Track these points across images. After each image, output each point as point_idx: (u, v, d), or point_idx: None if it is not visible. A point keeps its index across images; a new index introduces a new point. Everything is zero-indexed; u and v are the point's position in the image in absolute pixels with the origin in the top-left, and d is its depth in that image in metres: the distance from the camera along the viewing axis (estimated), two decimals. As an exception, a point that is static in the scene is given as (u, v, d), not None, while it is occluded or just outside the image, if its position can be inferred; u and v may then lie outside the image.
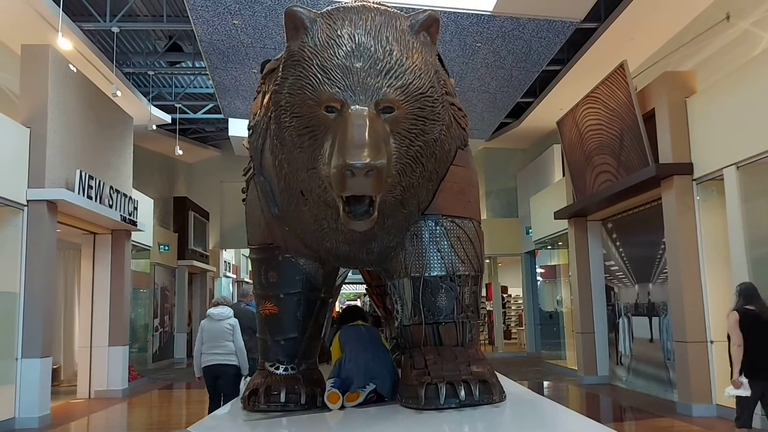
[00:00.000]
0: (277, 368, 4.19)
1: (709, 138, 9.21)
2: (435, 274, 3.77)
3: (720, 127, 8.97)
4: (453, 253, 3.79)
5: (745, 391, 6.27)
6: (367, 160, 2.69)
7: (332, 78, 2.91)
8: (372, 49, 2.94)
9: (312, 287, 4.22)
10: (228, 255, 28.52)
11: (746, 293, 6.57)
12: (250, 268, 32.48)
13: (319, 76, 2.93)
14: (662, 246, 10.63)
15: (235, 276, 30.59)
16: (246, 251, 33.24)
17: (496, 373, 3.73)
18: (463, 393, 3.34)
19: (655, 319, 11.21)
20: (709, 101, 9.28)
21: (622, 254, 12.51)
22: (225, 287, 28.71)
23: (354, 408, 3.94)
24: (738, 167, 8.51)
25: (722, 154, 8.85)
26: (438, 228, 3.80)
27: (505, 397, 3.51)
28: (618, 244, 12.70)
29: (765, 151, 8.01)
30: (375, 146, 2.77)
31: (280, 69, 3.20)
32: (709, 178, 9.28)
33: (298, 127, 3.08)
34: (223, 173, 22.99)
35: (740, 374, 6.26)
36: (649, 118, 10.11)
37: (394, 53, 2.96)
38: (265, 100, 3.71)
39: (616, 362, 12.82)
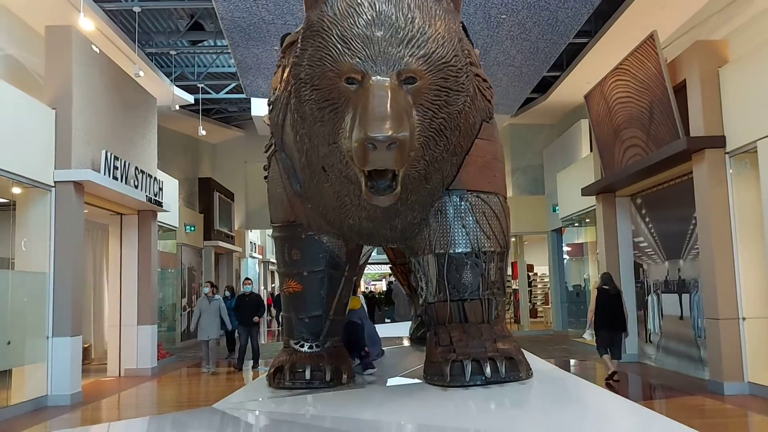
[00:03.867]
0: (302, 346, 4.18)
1: (743, 109, 8.92)
2: (460, 250, 3.70)
3: (754, 97, 8.67)
4: (478, 229, 3.72)
5: (590, 338, 10.47)
6: (389, 133, 2.61)
7: (352, 48, 2.83)
8: (393, 17, 2.85)
9: (335, 265, 4.18)
10: (253, 236, 28.68)
11: (604, 278, 10.34)
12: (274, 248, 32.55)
13: (339, 47, 2.85)
14: (693, 221, 10.39)
15: (261, 257, 30.79)
16: (271, 232, 33.32)
17: (522, 350, 3.66)
18: (489, 370, 3.28)
19: (685, 296, 10.99)
20: (742, 71, 8.97)
21: (652, 230, 12.27)
22: (251, 267, 28.93)
23: (379, 386, 3.91)
24: (773, 139, 8.24)
25: (757, 126, 8.56)
26: (463, 203, 3.72)
27: (532, 374, 3.44)
28: (647, 220, 12.45)
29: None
30: (397, 118, 2.69)
31: (299, 40, 3.12)
32: (743, 151, 9.01)
33: (318, 100, 3.00)
34: (246, 153, 23.03)
35: (590, 327, 10.21)
36: (680, 89, 9.82)
37: (416, 21, 2.86)
38: (285, 74, 3.64)
39: (645, 340, 12.64)
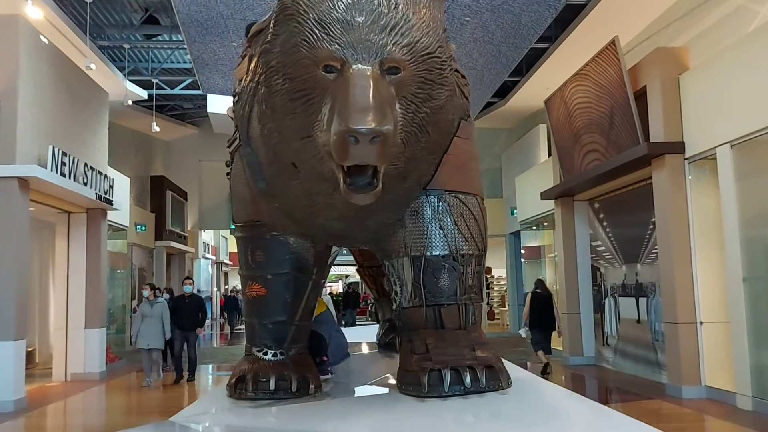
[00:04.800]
0: (265, 353, 3.94)
1: (702, 116, 9.03)
2: (437, 253, 3.53)
3: (713, 104, 8.79)
4: (456, 231, 3.55)
5: (526, 335, 11.41)
6: (373, 125, 2.42)
7: (331, 34, 2.63)
8: (375, 1, 2.66)
9: (302, 268, 3.95)
10: (207, 236, 28.07)
11: (537, 283, 11.58)
12: (228, 250, 31.90)
13: (316, 32, 2.64)
14: (651, 226, 10.50)
15: (214, 257, 30.16)
16: (225, 232, 32.83)
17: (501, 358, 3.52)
18: (468, 379, 3.12)
19: (642, 300, 11.11)
20: (702, 78, 9.09)
21: (610, 235, 12.39)
22: (204, 269, 28.29)
23: (349, 396, 3.71)
24: (732, 146, 8.35)
25: (716, 133, 8.68)
26: (440, 204, 3.55)
27: (511, 383, 3.30)
28: (605, 224, 12.57)
29: (759, 129, 7.85)
30: (381, 110, 2.50)
31: (271, 25, 2.90)
32: (702, 158, 9.12)
33: (291, 90, 2.79)
34: (201, 152, 22.49)
35: (525, 326, 11.26)
36: (640, 95, 9.91)
37: (400, 7, 2.68)
38: (252, 64, 3.41)
39: (602, 343, 12.74)
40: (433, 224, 3.52)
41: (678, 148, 9.34)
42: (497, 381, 3.22)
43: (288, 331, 4.02)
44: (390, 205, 3.37)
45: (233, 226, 4.34)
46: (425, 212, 3.53)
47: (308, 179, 3.17)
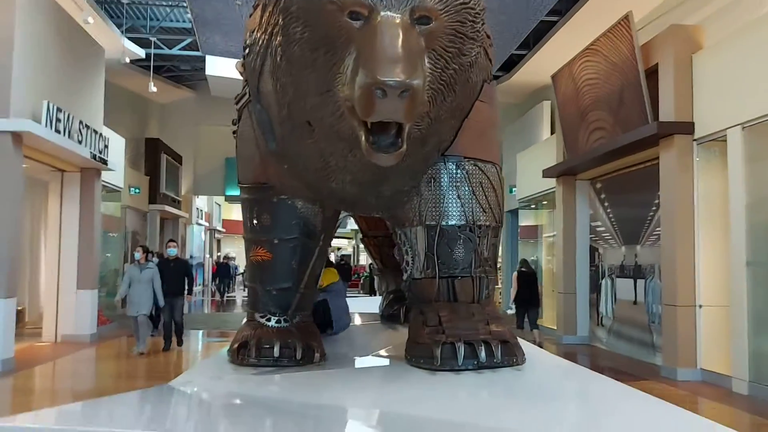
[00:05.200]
0: (269, 320, 3.78)
1: (714, 97, 8.85)
2: (453, 223, 3.36)
3: (726, 85, 8.61)
4: (474, 201, 3.38)
5: (511, 312, 12.52)
6: (402, 77, 2.23)
7: None
8: None
9: (309, 233, 3.78)
10: (201, 202, 27.82)
11: (522, 263, 12.19)
12: (222, 217, 31.64)
13: None
14: (653, 208, 10.38)
15: (207, 224, 29.95)
16: (219, 199, 32.54)
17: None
18: (483, 354, 2.98)
19: (640, 282, 11.03)
20: (716, 58, 8.90)
21: (610, 215, 12.27)
22: (197, 235, 28.11)
23: (356, 367, 3.57)
24: (744, 128, 8.19)
25: (727, 114, 8.51)
26: (459, 171, 3.37)
27: (525, 359, 3.17)
28: (606, 204, 12.44)
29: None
30: (411, 62, 2.31)
31: None
32: (711, 139, 8.97)
33: (311, 39, 2.59)
34: (198, 116, 22.15)
35: (512, 303, 11.94)
36: (651, 73, 9.71)
37: None
38: (267, 13, 3.20)
39: (596, 323, 12.71)
40: (450, 192, 3.35)
41: (688, 128, 9.18)
42: (512, 356, 3.08)
43: (293, 298, 3.86)
44: (407, 171, 3.20)
45: (237, 188, 4.15)
46: (442, 179, 3.36)
47: (324, 139, 2.99)
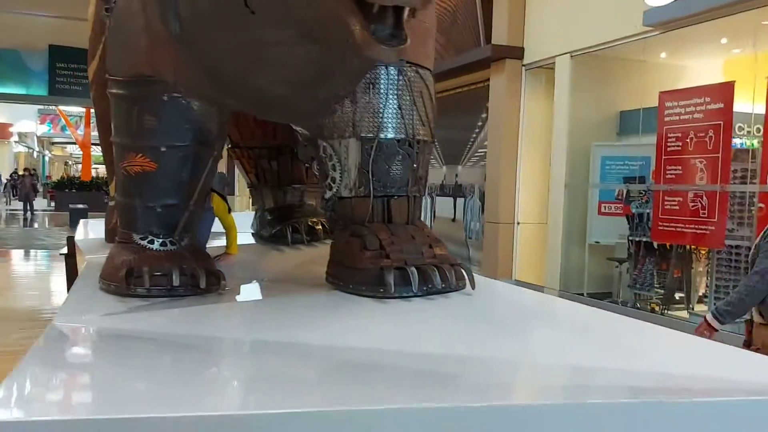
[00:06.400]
0: (152, 242, 3.15)
1: (545, 24, 9.24)
2: (392, 136, 3.01)
3: (558, 13, 9.00)
4: (414, 112, 3.04)
5: None
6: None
7: None
8: None
9: (204, 140, 3.17)
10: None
11: None
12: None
13: None
14: (476, 130, 10.79)
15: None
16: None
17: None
18: (438, 279, 2.75)
19: (460, 200, 11.56)
20: (549, -14, 9.24)
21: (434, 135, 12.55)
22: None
23: (282, 296, 3.12)
24: (572, 56, 8.69)
25: (557, 42, 8.95)
26: (401, 78, 2.98)
27: (474, 283, 2.99)
28: (429, 124, 12.68)
29: (601, 43, 8.23)
30: None
31: None
32: (539, 66, 9.42)
33: None
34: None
35: None
36: (486, -2, 9.86)
37: None
38: None
39: (413, 239, 13.17)
40: (390, 102, 2.97)
41: (518, 53, 9.53)
42: (464, 281, 2.90)
43: (180, 217, 3.27)
44: (356, 70, 2.77)
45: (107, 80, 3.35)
46: (381, 86, 2.97)
47: (266, 22, 2.42)
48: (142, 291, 2.94)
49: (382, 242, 2.87)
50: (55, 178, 38.03)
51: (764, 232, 3.88)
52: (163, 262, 3.01)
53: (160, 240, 3.17)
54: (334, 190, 3.11)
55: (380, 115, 2.97)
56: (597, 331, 2.56)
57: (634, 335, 2.47)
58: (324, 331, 2.47)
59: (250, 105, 3.07)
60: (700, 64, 8.50)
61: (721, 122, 6.56)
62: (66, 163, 58.10)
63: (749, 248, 6.81)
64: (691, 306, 7.50)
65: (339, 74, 2.72)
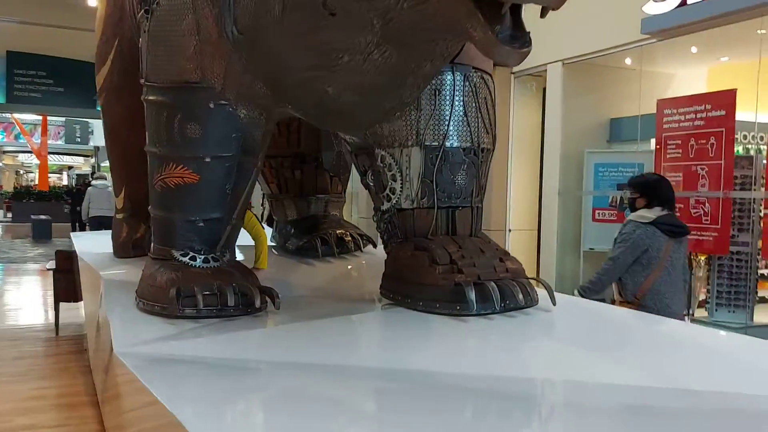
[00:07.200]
0: (193, 258, 2.98)
1: (537, 32, 9.18)
2: (458, 144, 2.89)
3: (550, 21, 8.93)
4: (479, 119, 2.94)
5: None
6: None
7: None
8: None
9: (248, 150, 3.01)
10: None
11: None
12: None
13: None
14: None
15: None
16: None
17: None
18: (521, 295, 2.62)
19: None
20: (538, -5, 9.23)
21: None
22: None
23: (348, 317, 2.93)
24: (564, 64, 8.69)
25: (548, 50, 8.93)
26: (466, 84, 2.88)
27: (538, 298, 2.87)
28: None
29: (593, 51, 8.25)
30: None
31: None
32: (529, 73, 9.42)
33: None
34: None
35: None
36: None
37: None
38: None
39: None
40: (456, 109, 2.86)
41: (507, 61, 9.49)
42: (535, 296, 2.78)
43: (222, 231, 3.12)
44: (424, 77, 2.63)
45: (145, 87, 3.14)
46: (446, 93, 2.84)
47: (344, 25, 2.28)
48: (192, 312, 2.76)
49: (451, 256, 2.74)
50: (7, 188, 36.61)
51: (622, 227, 4.43)
52: (211, 281, 2.83)
53: (202, 256, 3.00)
54: (393, 201, 2.97)
55: (446, 122, 2.85)
56: (711, 351, 2.46)
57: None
58: (403, 352, 2.32)
59: (309, 112, 2.91)
60: (688, 73, 8.61)
61: (723, 129, 6.62)
62: (17, 173, 56.12)
63: (750, 254, 6.96)
64: (691, 312, 7.54)
65: (410, 81, 2.58)
